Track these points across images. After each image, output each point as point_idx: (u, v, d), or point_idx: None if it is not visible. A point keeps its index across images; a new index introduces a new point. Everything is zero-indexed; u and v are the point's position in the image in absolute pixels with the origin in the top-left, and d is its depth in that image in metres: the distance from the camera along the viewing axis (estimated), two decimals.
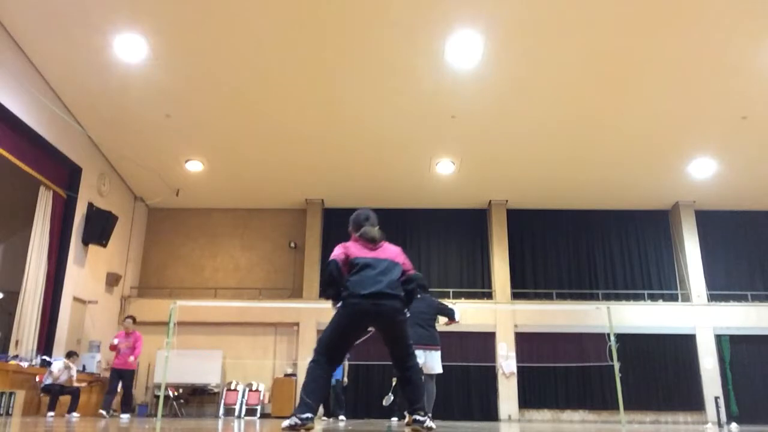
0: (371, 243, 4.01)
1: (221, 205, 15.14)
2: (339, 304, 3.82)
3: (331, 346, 3.79)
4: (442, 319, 6.83)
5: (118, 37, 9.54)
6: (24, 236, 11.51)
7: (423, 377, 6.00)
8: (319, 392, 3.67)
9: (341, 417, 10.35)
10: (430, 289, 13.34)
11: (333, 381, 10.21)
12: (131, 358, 9.89)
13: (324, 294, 3.99)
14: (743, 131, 11.59)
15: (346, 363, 10.93)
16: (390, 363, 4.00)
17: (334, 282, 3.85)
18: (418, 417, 3.73)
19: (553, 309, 13.43)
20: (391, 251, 4.06)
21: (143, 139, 12.28)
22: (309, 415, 3.52)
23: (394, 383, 7.16)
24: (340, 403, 10.58)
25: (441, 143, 12.44)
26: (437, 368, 6.35)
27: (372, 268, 3.85)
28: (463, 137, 12.15)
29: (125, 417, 9.57)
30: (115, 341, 10.01)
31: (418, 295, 6.62)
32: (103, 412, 9.41)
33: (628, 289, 14.34)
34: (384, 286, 3.77)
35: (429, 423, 3.75)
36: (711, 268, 14.21)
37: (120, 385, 9.97)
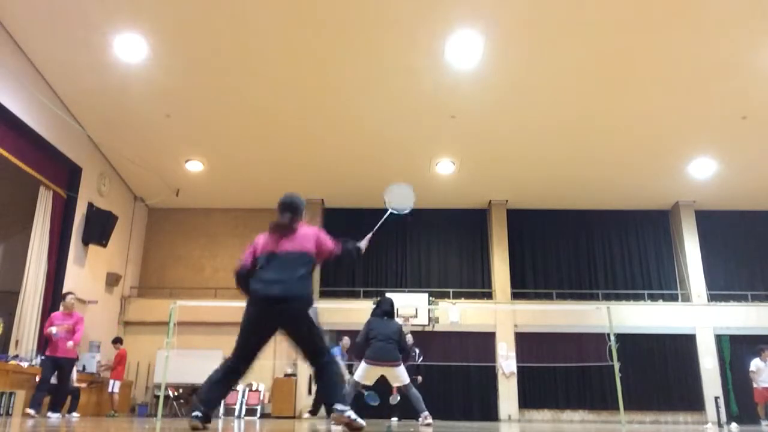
0: (279, 232, 3.82)
1: (221, 205, 15.14)
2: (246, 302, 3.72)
3: (239, 345, 3.75)
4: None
5: (118, 37, 9.54)
6: (24, 236, 11.52)
7: (406, 386, 6.73)
8: (211, 392, 3.68)
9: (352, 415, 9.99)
10: (430, 289, 13.50)
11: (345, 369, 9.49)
12: (70, 344, 8.27)
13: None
14: (743, 131, 11.59)
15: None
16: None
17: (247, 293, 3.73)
18: (338, 407, 3.63)
19: (553, 309, 13.42)
20: (301, 239, 3.81)
21: (143, 139, 12.28)
22: (198, 414, 3.55)
23: None
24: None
25: (441, 143, 12.44)
26: (404, 379, 6.82)
27: (271, 266, 3.68)
28: (463, 137, 12.15)
29: (54, 417, 8.11)
30: (54, 330, 8.22)
31: (385, 318, 6.75)
32: (31, 411, 7.80)
33: (628, 289, 14.34)
34: (281, 289, 3.58)
35: (350, 413, 3.60)
36: (711, 268, 14.21)
37: (54, 376, 8.35)
